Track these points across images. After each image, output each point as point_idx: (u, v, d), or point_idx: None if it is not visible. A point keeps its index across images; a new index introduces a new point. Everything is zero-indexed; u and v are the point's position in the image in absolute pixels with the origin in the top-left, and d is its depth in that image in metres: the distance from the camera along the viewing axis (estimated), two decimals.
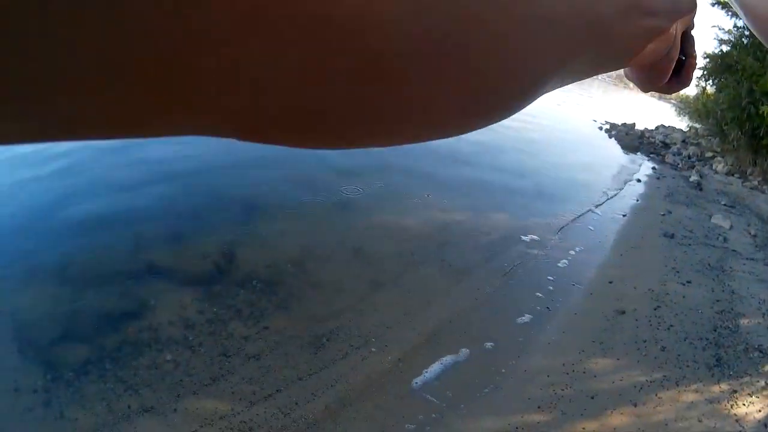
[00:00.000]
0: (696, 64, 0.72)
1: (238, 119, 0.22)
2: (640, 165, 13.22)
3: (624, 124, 18.72)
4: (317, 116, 0.24)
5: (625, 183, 11.08)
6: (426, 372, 4.41)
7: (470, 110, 0.32)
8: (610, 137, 16.54)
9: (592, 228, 8.19)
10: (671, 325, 5.56)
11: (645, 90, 0.70)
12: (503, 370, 4.53)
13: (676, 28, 0.59)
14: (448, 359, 4.59)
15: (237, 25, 0.17)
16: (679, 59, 0.67)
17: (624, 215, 8.95)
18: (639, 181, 11.53)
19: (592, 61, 0.44)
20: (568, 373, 4.58)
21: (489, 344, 4.84)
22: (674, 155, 15.20)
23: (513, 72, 0.32)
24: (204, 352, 4.36)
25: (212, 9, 0.16)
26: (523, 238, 7.09)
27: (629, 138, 16.34)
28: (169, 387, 4.04)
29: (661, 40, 0.55)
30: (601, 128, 17.89)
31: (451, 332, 4.96)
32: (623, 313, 5.60)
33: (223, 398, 3.99)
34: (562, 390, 4.37)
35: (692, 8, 0.63)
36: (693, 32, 0.71)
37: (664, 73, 0.64)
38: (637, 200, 10.03)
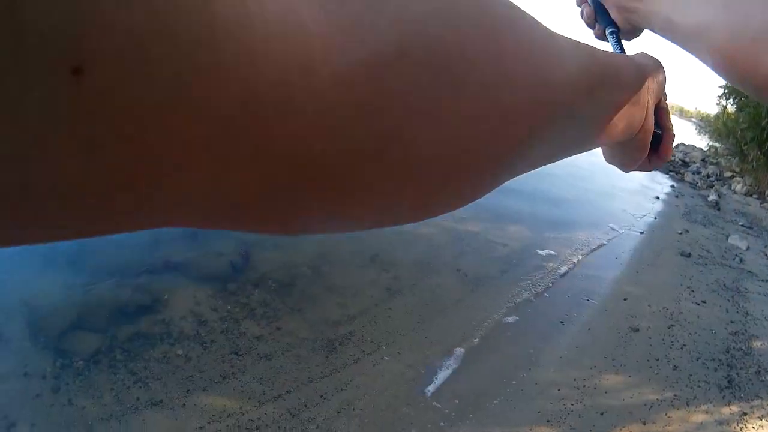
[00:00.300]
0: (674, 136, 0.71)
1: (189, 221, 0.22)
2: (659, 182, 13.20)
3: None
4: (265, 215, 0.24)
5: (644, 200, 11.06)
6: (436, 380, 4.40)
7: (423, 203, 0.32)
8: None
9: (609, 244, 8.16)
10: (684, 345, 5.53)
11: (626, 170, 0.70)
12: (514, 382, 4.51)
13: (648, 101, 0.59)
14: (459, 368, 4.59)
15: (188, 153, 0.18)
16: (656, 133, 0.66)
17: (641, 232, 8.93)
18: (657, 198, 11.51)
19: (560, 143, 0.43)
20: (578, 388, 4.56)
21: (501, 355, 4.84)
22: (693, 174, 15.15)
23: (465, 165, 0.31)
24: (215, 349, 4.37)
25: (164, 137, 0.16)
26: (539, 251, 7.08)
27: None
28: (179, 382, 4.05)
29: (631, 113, 0.54)
30: None
31: (463, 341, 4.94)
32: (637, 330, 5.57)
33: (232, 396, 4.00)
34: (572, 405, 4.35)
35: (659, 77, 0.63)
36: (666, 102, 0.70)
37: (642, 148, 0.63)
38: (655, 218, 10.01)
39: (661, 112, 0.68)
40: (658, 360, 5.17)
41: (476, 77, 0.28)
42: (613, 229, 8.73)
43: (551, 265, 6.84)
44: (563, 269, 6.83)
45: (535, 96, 0.33)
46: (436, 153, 0.28)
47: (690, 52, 0.68)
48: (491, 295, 5.90)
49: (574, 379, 4.66)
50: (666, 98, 0.68)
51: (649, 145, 0.64)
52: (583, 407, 4.35)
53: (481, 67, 0.28)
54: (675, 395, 4.73)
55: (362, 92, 0.22)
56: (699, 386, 4.92)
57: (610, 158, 0.69)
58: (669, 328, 5.80)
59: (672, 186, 13.05)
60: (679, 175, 14.86)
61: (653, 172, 14.09)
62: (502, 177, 0.37)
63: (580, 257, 7.24)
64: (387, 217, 0.31)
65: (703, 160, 17.72)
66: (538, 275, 6.54)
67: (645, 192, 11.74)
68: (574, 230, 8.11)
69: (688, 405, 4.66)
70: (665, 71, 0.65)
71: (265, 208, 0.23)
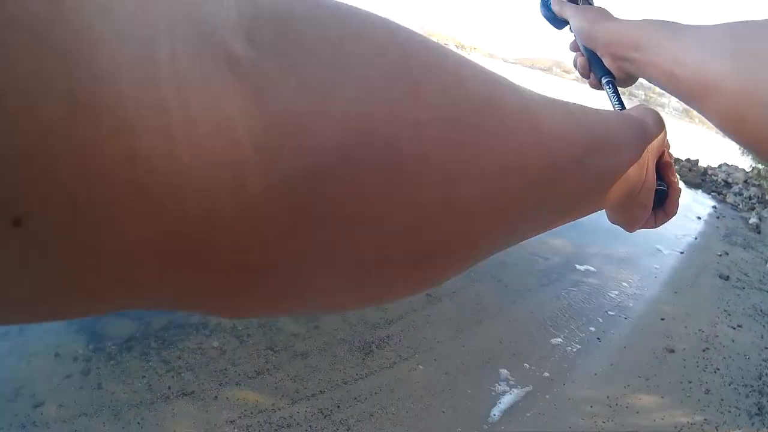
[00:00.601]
0: (680, 191, 0.70)
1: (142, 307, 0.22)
2: (701, 202, 13.02)
3: (688, 160, 18.38)
4: (211, 307, 0.24)
5: (686, 220, 10.92)
6: (470, 389, 4.40)
7: (376, 298, 0.30)
8: None
9: (648, 263, 8.09)
10: (717, 369, 5.48)
11: (631, 230, 0.67)
12: (547, 396, 4.51)
13: (647, 158, 0.57)
14: (493, 378, 4.59)
15: (121, 274, 0.18)
16: (660, 190, 0.65)
17: (681, 252, 8.81)
18: (699, 218, 11.35)
19: (558, 210, 0.41)
20: (611, 406, 4.54)
21: (535, 369, 4.83)
22: (735, 195, 14.91)
23: (417, 263, 0.29)
24: (252, 343, 4.40)
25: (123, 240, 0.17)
26: (579, 267, 7.05)
27: (692, 174, 16.07)
28: (213, 374, 4.09)
29: (630, 173, 0.52)
30: None
31: (499, 352, 4.95)
32: (672, 351, 5.54)
33: (265, 392, 4.03)
34: (604, 422, 4.34)
35: (659, 132, 0.61)
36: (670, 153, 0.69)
37: (644, 208, 0.62)
38: (696, 238, 9.87)
39: (664, 166, 0.67)
40: (690, 383, 5.14)
41: (434, 174, 0.26)
42: (653, 248, 8.64)
43: (591, 281, 6.81)
44: (602, 285, 6.79)
45: (505, 184, 0.31)
46: (387, 254, 0.26)
47: (693, 108, 0.63)
48: (530, 307, 5.90)
49: (608, 397, 4.65)
50: (669, 148, 0.68)
51: (651, 204, 0.62)
52: (614, 425, 4.35)
53: (441, 162, 0.26)
54: (705, 419, 4.70)
55: (298, 202, 0.21)
56: (729, 411, 4.88)
57: (613, 219, 0.67)
58: (704, 351, 5.74)
59: (714, 207, 12.87)
60: (721, 195, 14.65)
61: (696, 191, 13.97)
62: (496, 246, 0.35)
63: (620, 274, 7.18)
64: (338, 308, 0.31)
65: (745, 181, 17.41)
66: (577, 290, 6.53)
67: (687, 212, 11.59)
68: (613, 247, 8.04)
69: (717, 430, 4.63)
70: (665, 124, 0.63)
71: (207, 304, 0.23)
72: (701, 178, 15.85)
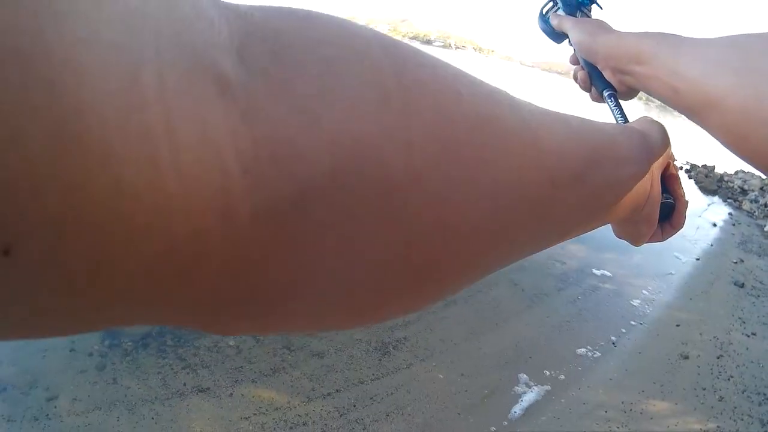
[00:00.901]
0: (687, 203, 0.68)
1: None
2: (716, 209, 12.90)
3: (704, 166, 18.17)
4: (202, 325, 0.24)
5: (702, 226, 10.84)
6: (485, 391, 4.42)
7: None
8: (689, 177, 16.10)
9: (664, 268, 8.02)
10: (731, 376, 5.45)
11: (637, 244, 0.67)
12: (563, 400, 4.52)
13: (652, 171, 0.57)
14: (509, 381, 4.59)
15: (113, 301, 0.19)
16: (667, 203, 0.65)
17: (697, 259, 8.75)
18: (714, 225, 11.25)
19: (559, 227, 0.41)
20: (625, 412, 4.54)
21: (551, 372, 4.83)
22: (751, 202, 14.78)
23: (406, 286, 0.28)
24: (268, 342, 4.40)
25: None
26: (596, 271, 7.02)
27: (708, 181, 15.92)
28: (228, 371, 4.10)
29: (635, 187, 0.52)
30: (681, 167, 17.37)
31: (515, 355, 4.96)
32: (687, 358, 5.51)
33: (280, 390, 4.04)
34: (618, 428, 4.34)
35: (663, 144, 0.60)
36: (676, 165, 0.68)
37: (650, 222, 0.62)
38: (711, 245, 9.77)
39: (670, 179, 0.66)
40: (704, 389, 5.12)
41: (426, 195, 0.26)
42: (669, 254, 8.58)
43: (607, 286, 6.79)
44: (618, 290, 6.78)
45: (502, 204, 0.31)
46: (378, 275, 0.26)
47: (694, 122, 0.62)
48: (547, 311, 5.90)
49: (622, 402, 4.65)
50: (674, 160, 0.67)
51: (656, 218, 0.62)
52: (628, 431, 4.35)
53: (434, 183, 0.26)
54: (718, 426, 4.68)
55: (287, 225, 0.21)
56: (742, 419, 4.86)
57: (618, 233, 0.67)
58: (718, 358, 5.71)
59: (729, 213, 12.74)
60: (737, 202, 14.51)
61: (712, 197, 13.87)
62: (469, 281, 0.34)
63: (636, 280, 7.15)
64: (330, 328, 0.30)
65: (761, 188, 17.24)
66: (594, 295, 6.52)
67: (703, 218, 11.49)
68: (629, 252, 8.00)
69: None
70: (669, 135, 0.62)
71: (196, 321, 0.23)
72: (717, 185, 15.71)
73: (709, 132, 0.59)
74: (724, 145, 0.58)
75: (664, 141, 0.61)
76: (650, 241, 0.67)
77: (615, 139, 0.47)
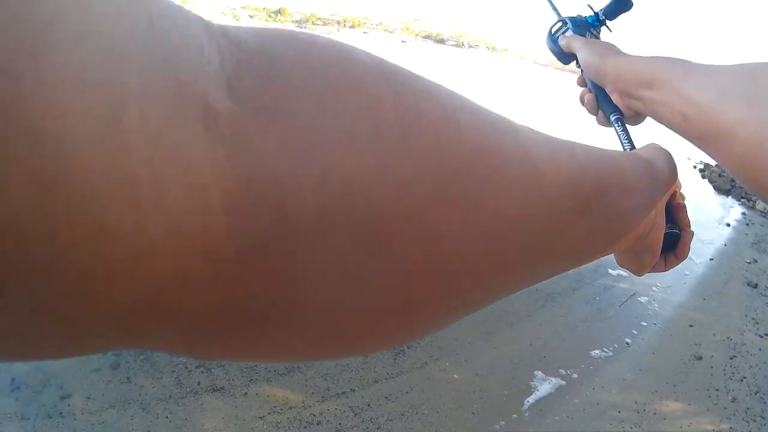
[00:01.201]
0: (692, 233, 0.67)
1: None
2: (730, 209, 12.81)
3: (718, 165, 17.98)
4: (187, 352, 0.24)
5: (715, 226, 10.78)
6: (499, 390, 4.43)
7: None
8: (703, 177, 15.97)
9: (678, 268, 7.79)
10: (744, 377, 5.44)
11: (639, 274, 0.65)
12: (576, 400, 4.52)
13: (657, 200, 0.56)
14: (522, 381, 4.60)
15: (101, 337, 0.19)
16: (672, 233, 0.63)
17: (711, 259, 8.71)
18: (728, 225, 11.18)
19: (560, 260, 0.39)
20: (638, 412, 4.54)
21: (565, 372, 4.84)
22: (765, 202, 14.68)
23: (390, 326, 0.28)
24: None
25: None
26: (611, 271, 6.99)
27: (722, 180, 15.81)
28: (243, 371, 4.13)
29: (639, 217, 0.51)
30: (695, 167, 17.21)
31: (529, 355, 4.97)
32: (700, 358, 5.51)
33: (295, 389, 4.06)
34: (631, 428, 4.35)
35: (670, 173, 0.59)
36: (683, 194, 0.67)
37: (652, 252, 0.60)
38: (725, 245, 9.71)
39: (676, 208, 0.65)
40: (717, 390, 5.12)
41: (417, 233, 0.25)
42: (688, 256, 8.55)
43: (621, 285, 6.77)
44: (632, 290, 6.75)
45: (499, 239, 0.29)
46: (364, 313, 0.25)
47: (702, 150, 0.61)
48: (561, 311, 5.90)
49: (635, 402, 4.65)
50: (680, 188, 0.65)
51: (660, 248, 0.60)
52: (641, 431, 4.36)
53: (426, 221, 0.25)
54: (731, 427, 4.68)
55: (273, 264, 0.21)
56: (755, 420, 4.85)
57: (621, 262, 0.65)
58: (731, 358, 5.70)
59: (743, 213, 12.64)
60: (751, 202, 14.41)
61: (725, 197, 13.79)
62: (461, 315, 0.32)
63: (649, 280, 7.11)
64: (316, 359, 0.30)
65: None
66: (608, 295, 6.52)
67: (716, 217, 11.42)
68: None
69: None
70: (676, 164, 0.61)
71: (181, 351, 0.23)
72: (731, 184, 15.60)
73: (717, 161, 0.59)
74: (733, 175, 0.57)
75: (672, 169, 0.60)
76: (652, 271, 0.66)
77: (621, 169, 0.45)
